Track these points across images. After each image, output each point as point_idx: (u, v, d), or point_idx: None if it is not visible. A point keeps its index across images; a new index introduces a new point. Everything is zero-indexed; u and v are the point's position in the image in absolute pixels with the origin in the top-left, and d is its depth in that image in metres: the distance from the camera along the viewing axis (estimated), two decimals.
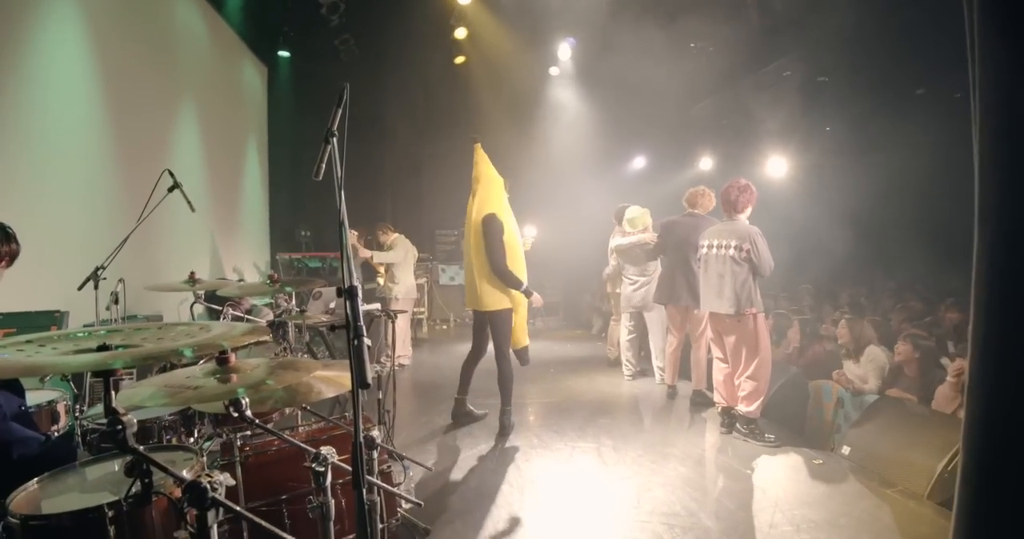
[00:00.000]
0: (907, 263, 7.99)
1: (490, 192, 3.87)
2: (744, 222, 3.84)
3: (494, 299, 3.80)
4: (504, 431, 3.88)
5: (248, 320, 3.53)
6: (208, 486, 0.95)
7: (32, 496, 1.38)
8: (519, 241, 3.95)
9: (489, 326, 3.93)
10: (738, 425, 3.81)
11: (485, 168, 3.95)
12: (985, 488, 1.47)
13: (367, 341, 1.06)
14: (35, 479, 1.41)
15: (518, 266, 3.86)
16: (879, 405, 3.66)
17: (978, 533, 1.47)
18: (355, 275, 1.11)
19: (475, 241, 3.81)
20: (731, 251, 3.73)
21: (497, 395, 3.98)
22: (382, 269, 6.19)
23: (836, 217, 8.16)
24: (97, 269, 2.98)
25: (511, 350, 3.98)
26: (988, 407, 1.47)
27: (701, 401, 4.48)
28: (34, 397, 2.21)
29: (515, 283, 3.77)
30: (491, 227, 3.73)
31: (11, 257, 1.94)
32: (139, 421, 1.95)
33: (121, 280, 3.20)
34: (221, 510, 0.99)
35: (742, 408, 3.76)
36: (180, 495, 1.06)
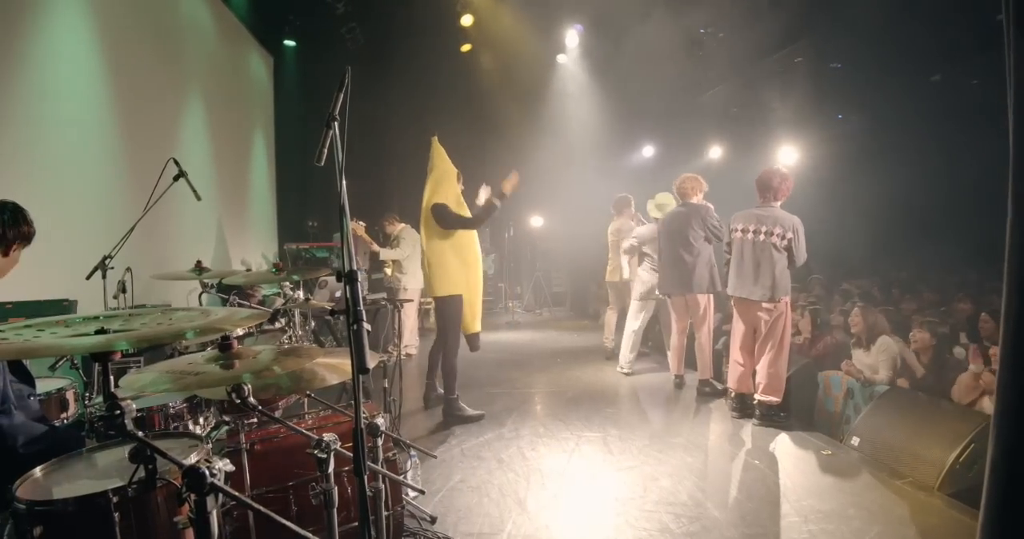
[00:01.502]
0: (919, 253, 7.88)
1: (441, 184, 3.96)
2: (782, 210, 3.81)
3: (443, 284, 3.87)
4: (451, 418, 3.91)
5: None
6: (206, 471, 0.95)
7: (38, 482, 1.39)
8: (472, 233, 4.03)
9: (438, 313, 3.99)
10: (758, 412, 3.80)
11: (439, 161, 4.05)
12: (1014, 479, 1.43)
13: (367, 326, 1.05)
14: (40, 466, 1.41)
15: (470, 256, 3.96)
16: (889, 396, 3.63)
17: (1006, 524, 1.44)
18: (355, 260, 1.09)
19: (426, 229, 3.93)
20: (773, 238, 3.69)
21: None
22: (390, 260, 6.18)
23: (847, 207, 8.05)
24: (105, 258, 2.99)
25: (463, 335, 4.01)
26: (1019, 397, 1.43)
27: (708, 391, 4.47)
28: (44, 385, 2.22)
29: (489, 212, 3.88)
30: (442, 212, 3.83)
31: (26, 239, 1.94)
32: (143, 409, 1.98)
33: (128, 269, 3.21)
34: (221, 496, 0.99)
35: (768, 398, 3.75)
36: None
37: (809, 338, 4.68)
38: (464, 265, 3.92)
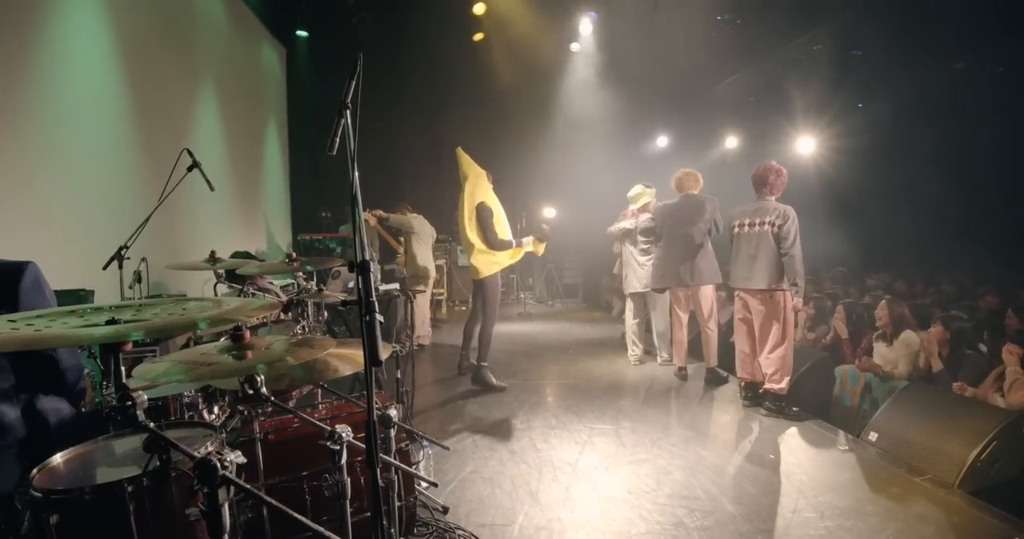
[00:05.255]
0: (942, 246, 7.72)
1: (477, 185, 4.54)
2: (776, 202, 3.90)
3: (484, 268, 4.49)
4: (478, 384, 4.48)
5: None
6: (218, 464, 0.94)
7: (56, 470, 1.40)
8: (506, 221, 4.65)
9: (480, 291, 4.57)
10: (766, 403, 3.83)
11: (469, 167, 4.62)
12: None
13: (379, 317, 1.03)
14: (59, 453, 1.42)
15: (506, 238, 4.58)
16: (909, 391, 3.56)
17: None
18: (368, 250, 1.07)
19: (470, 225, 4.49)
20: (766, 227, 3.78)
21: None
22: (401, 249, 6.19)
23: (868, 198, 7.90)
24: (121, 249, 3.01)
25: None
26: None
27: (714, 379, 4.49)
28: None
29: (509, 246, 4.50)
30: (483, 213, 4.43)
31: None
32: (160, 398, 1.99)
33: (144, 259, 3.24)
34: (233, 488, 0.98)
35: (774, 387, 3.78)
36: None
37: (847, 339, 4.55)
38: (507, 253, 4.53)
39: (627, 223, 5.16)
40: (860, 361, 4.09)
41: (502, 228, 4.55)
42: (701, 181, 4.59)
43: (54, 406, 1.78)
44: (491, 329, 4.52)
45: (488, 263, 4.49)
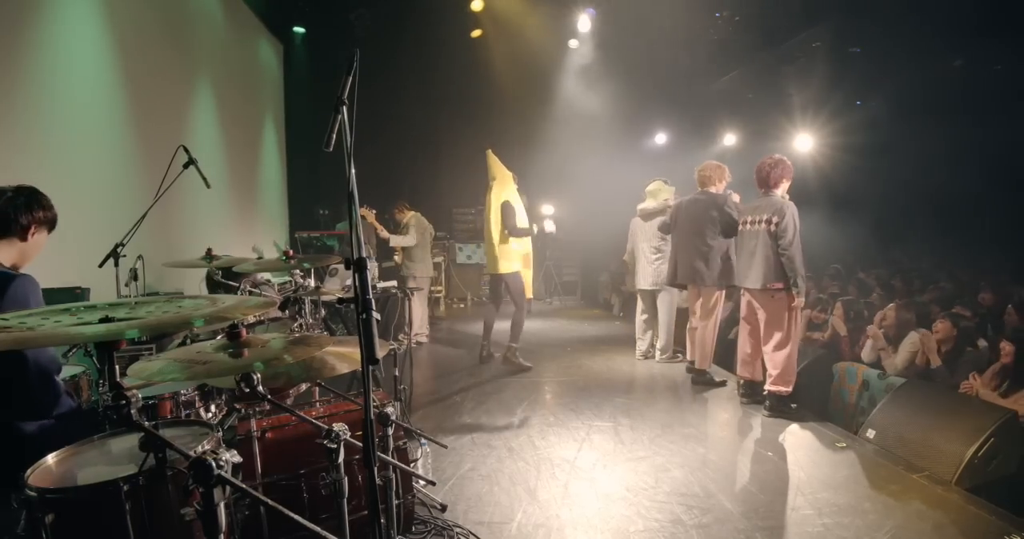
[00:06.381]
0: (939, 243, 7.73)
1: (504, 186, 4.98)
2: (779, 197, 3.82)
3: (507, 264, 4.92)
4: (508, 364, 4.97)
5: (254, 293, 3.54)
6: (213, 463, 0.93)
7: (51, 470, 1.39)
8: (525, 219, 5.06)
9: (505, 285, 5.00)
10: (767, 403, 3.78)
11: (498, 168, 5.03)
12: None
13: (376, 315, 1.02)
14: (51, 454, 1.41)
15: (524, 241, 5.05)
16: (907, 388, 3.57)
17: None
18: (364, 248, 1.06)
19: (495, 221, 4.93)
20: (763, 224, 3.75)
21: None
22: (399, 248, 6.17)
23: (866, 195, 7.90)
24: (117, 246, 2.99)
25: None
26: None
27: (702, 381, 4.44)
28: None
29: (527, 233, 4.97)
30: (507, 210, 4.90)
31: (44, 223, 1.97)
32: (157, 396, 1.98)
33: (140, 257, 3.22)
34: (228, 487, 0.97)
35: (778, 389, 3.72)
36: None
37: (846, 336, 4.55)
38: (521, 247, 5.00)
39: (656, 204, 5.08)
40: (869, 330, 4.14)
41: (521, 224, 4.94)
42: (728, 175, 4.45)
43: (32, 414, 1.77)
44: (522, 315, 4.99)
45: (509, 261, 4.91)
